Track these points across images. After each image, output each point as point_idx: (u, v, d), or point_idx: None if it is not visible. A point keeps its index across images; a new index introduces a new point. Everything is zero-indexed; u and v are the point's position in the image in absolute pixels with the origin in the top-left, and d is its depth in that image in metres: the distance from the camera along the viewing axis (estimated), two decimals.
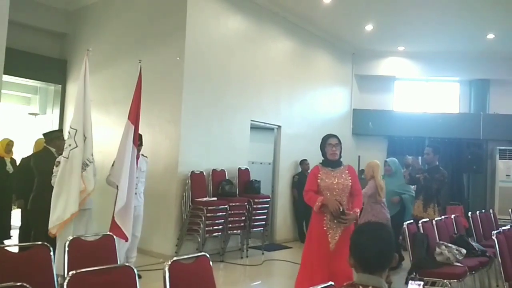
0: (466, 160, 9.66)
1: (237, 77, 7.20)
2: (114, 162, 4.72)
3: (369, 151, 9.90)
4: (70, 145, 4.12)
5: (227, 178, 6.81)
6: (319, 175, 3.76)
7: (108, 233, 2.99)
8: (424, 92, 10.78)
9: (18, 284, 1.73)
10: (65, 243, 2.52)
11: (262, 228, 7.06)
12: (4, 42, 4.79)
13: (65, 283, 1.90)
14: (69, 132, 4.18)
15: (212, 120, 6.78)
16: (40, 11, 7.73)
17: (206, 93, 6.67)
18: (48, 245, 2.44)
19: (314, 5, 7.72)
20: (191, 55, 6.40)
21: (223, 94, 6.96)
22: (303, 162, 8.31)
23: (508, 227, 4.60)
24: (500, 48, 9.43)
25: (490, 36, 8.87)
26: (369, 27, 8.74)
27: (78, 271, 1.98)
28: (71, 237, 2.61)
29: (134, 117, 4.56)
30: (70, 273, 1.95)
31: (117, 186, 4.37)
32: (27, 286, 1.74)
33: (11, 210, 6.25)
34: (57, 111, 8.14)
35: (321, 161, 3.93)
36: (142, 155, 5.23)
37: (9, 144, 6.19)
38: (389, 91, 10.67)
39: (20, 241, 5.63)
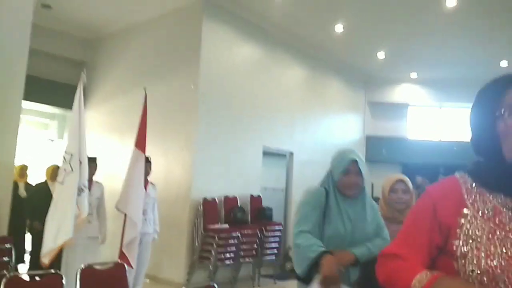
0: None
1: (250, 104, 7.28)
2: (122, 187, 4.76)
3: (383, 178, 9.77)
4: (65, 170, 4.04)
5: (239, 205, 6.80)
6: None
7: (119, 261, 2.99)
8: (438, 118, 10.72)
9: None
10: (76, 272, 2.54)
11: (274, 256, 6.98)
12: (25, 70, 4.96)
13: None
14: (64, 157, 4.12)
15: (225, 146, 6.83)
16: (60, 40, 7.99)
17: (219, 120, 6.74)
18: (61, 273, 2.46)
19: (326, 34, 7.83)
20: (205, 83, 6.52)
21: (236, 121, 7.03)
22: None
23: None
24: None
25: (504, 63, 8.84)
26: (381, 55, 8.80)
27: None
28: (82, 266, 2.62)
29: (142, 144, 4.60)
30: None
31: (125, 214, 4.39)
32: None
33: (25, 234, 6.30)
34: None
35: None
36: (150, 183, 5.25)
37: (23, 169, 6.30)
38: (403, 118, 10.63)
39: (30, 265, 5.65)
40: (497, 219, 1.04)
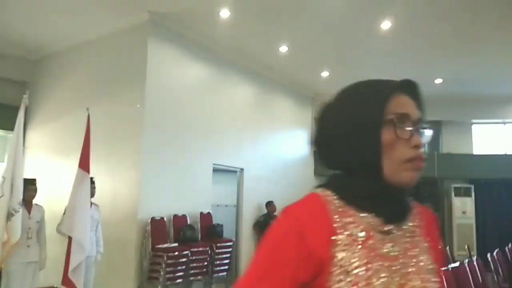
0: (423, 199, 9.95)
1: (199, 123, 7.36)
2: (65, 210, 4.68)
3: None
4: None
5: (189, 223, 6.80)
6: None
7: (60, 287, 2.96)
8: None
9: None
10: None
11: (225, 273, 7.02)
12: None
13: None
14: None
15: (174, 165, 6.84)
16: (1, 60, 7.75)
17: (167, 138, 6.77)
18: None
19: (272, 53, 8.10)
20: (151, 102, 6.54)
21: (185, 139, 7.08)
22: (270, 204, 8.39)
23: (457, 264, 4.79)
24: (449, 92, 10.06)
25: (438, 80, 9.48)
26: (324, 73, 9.19)
27: None
28: None
29: (86, 165, 4.57)
30: None
31: (69, 237, 4.32)
32: None
33: None
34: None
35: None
36: (94, 204, 5.19)
37: None
38: None
39: None
40: (370, 243, 0.86)
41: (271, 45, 7.77)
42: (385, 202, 0.89)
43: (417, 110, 0.93)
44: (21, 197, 4.15)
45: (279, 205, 8.61)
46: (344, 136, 0.89)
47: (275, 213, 8.41)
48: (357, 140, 0.88)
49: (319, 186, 0.94)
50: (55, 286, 2.82)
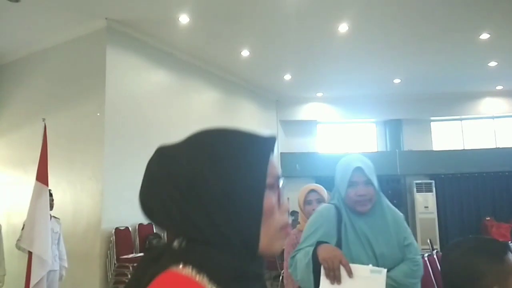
0: (387, 195, 10.12)
1: (162, 129, 7.27)
2: (24, 225, 4.53)
3: (298, 192, 10.22)
4: None
5: (154, 231, 6.71)
6: None
7: None
8: (344, 133, 11.49)
9: None
10: None
11: None
12: None
13: None
14: None
15: (137, 173, 6.60)
16: None
17: (129, 147, 6.65)
18: None
19: (234, 58, 8.12)
20: (111, 110, 6.42)
21: (148, 147, 6.89)
22: None
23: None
24: (407, 91, 10.39)
25: (397, 80, 9.77)
26: (287, 76, 9.29)
27: None
28: None
29: (44, 177, 4.44)
30: None
31: (29, 252, 4.18)
32: None
33: None
34: None
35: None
36: (54, 217, 5.04)
37: None
38: (313, 134, 11.25)
39: None
40: None
41: (233, 50, 7.79)
42: (258, 281, 0.74)
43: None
44: None
45: None
46: (217, 201, 0.69)
47: None
48: (237, 206, 0.69)
49: (172, 257, 0.70)
50: None
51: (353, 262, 1.68)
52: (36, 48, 7.20)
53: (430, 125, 11.62)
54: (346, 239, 1.78)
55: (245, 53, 7.88)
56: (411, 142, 11.14)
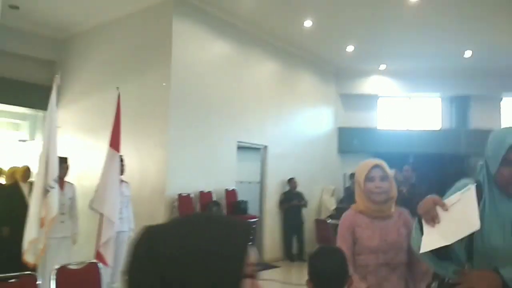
0: (449, 176, 9.86)
1: (222, 100, 7.38)
2: (96, 187, 4.82)
3: (355, 168, 10.08)
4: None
5: (214, 199, 6.92)
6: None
7: (93, 260, 3.08)
8: (407, 108, 11.06)
9: None
10: (51, 273, 2.62)
11: None
12: None
13: None
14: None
15: (199, 142, 6.92)
16: (29, 40, 7.89)
17: (192, 116, 6.83)
18: (35, 274, 2.54)
19: (296, 28, 7.98)
20: (176, 80, 6.58)
21: (209, 117, 7.13)
22: (291, 181, 8.47)
23: None
24: (478, 65, 9.75)
25: (468, 53, 9.18)
26: (350, 48, 9.02)
27: None
28: (57, 266, 2.71)
29: (116, 144, 4.65)
30: None
31: (100, 213, 4.46)
32: None
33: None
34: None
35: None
36: (124, 181, 5.31)
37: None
38: (373, 109, 10.92)
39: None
40: None
41: (296, 20, 7.65)
42: None
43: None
44: (56, 174, 4.27)
45: (303, 182, 8.65)
46: None
47: (296, 189, 8.49)
48: None
49: None
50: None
51: (484, 243, 1.59)
52: (106, 18, 7.46)
53: (500, 103, 10.90)
54: (481, 221, 1.55)
55: (308, 23, 7.71)
56: (478, 121, 10.52)
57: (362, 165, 2.39)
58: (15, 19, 7.27)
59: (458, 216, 1.59)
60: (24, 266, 4.86)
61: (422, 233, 1.65)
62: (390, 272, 2.20)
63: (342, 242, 2.24)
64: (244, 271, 0.73)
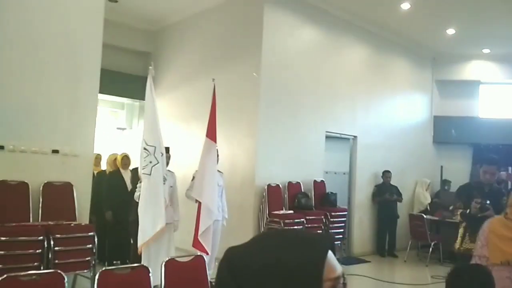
0: None
1: (312, 89, 7.19)
2: (193, 176, 4.91)
3: (453, 160, 9.39)
4: (151, 162, 4.19)
5: (302, 190, 6.80)
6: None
7: (199, 253, 3.11)
8: None
9: None
10: (161, 264, 2.68)
11: (339, 242, 6.96)
12: (99, 64, 5.21)
13: None
14: (147, 150, 4.23)
15: (288, 132, 6.82)
16: (126, 32, 8.28)
17: (281, 106, 6.73)
18: (148, 267, 2.60)
19: (391, 12, 7.50)
20: (266, 70, 6.50)
21: (298, 107, 6.98)
22: (385, 174, 8.09)
23: None
24: None
25: None
26: (450, 31, 8.30)
27: None
28: (167, 258, 2.76)
29: (213, 134, 4.69)
30: None
31: (197, 201, 4.55)
32: None
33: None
34: (142, 125, 8.64)
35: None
36: (218, 171, 5.38)
37: (97, 158, 6.65)
38: (474, 96, 10.00)
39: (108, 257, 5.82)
40: None
41: (392, 2, 7.17)
42: None
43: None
44: (165, 164, 4.47)
45: (395, 174, 8.21)
46: None
47: (390, 182, 8.09)
48: None
49: None
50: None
51: None
52: (197, 9, 7.58)
53: None
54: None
55: (405, 5, 7.19)
56: None
57: None
58: (114, 13, 7.64)
59: None
60: (127, 252, 5.15)
61: None
62: None
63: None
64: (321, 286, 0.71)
